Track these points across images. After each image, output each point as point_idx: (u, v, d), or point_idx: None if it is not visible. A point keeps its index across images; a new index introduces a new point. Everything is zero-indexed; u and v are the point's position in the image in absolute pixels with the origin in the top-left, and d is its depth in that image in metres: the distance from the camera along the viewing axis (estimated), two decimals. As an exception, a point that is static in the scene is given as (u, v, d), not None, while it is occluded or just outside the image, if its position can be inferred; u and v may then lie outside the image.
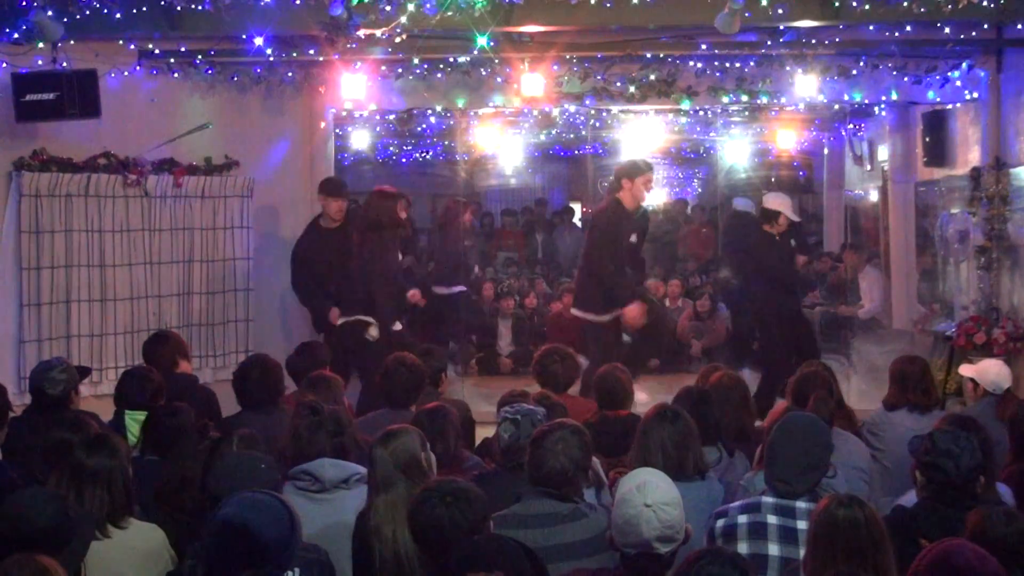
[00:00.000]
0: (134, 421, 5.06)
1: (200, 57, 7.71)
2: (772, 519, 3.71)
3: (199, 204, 8.04)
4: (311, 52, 7.56)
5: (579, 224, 16.17)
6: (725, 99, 8.44)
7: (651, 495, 3.25)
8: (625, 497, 3.29)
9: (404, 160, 15.39)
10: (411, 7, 6.48)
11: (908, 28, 7.27)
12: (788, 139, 12.04)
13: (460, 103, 8.55)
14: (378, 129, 11.51)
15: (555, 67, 8.00)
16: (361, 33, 6.65)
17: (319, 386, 5.19)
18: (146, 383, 5.24)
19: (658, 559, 3.24)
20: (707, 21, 6.49)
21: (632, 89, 8.29)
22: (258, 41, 6.94)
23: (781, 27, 7.14)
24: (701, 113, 10.08)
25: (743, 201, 11.12)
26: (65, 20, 6.53)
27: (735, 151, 13.41)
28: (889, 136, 10.57)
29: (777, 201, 8.43)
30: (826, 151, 13.10)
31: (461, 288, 10.44)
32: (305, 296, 7.98)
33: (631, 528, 3.23)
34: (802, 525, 3.63)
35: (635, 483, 3.32)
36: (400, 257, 8.15)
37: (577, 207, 17.21)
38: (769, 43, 7.57)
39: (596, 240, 7.90)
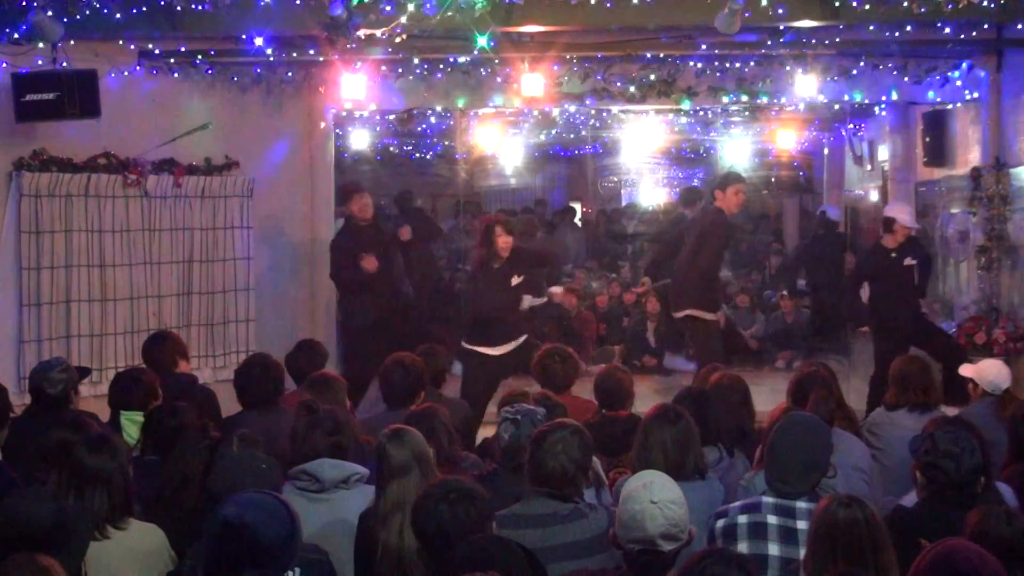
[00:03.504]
0: (130, 422, 5.06)
1: (200, 57, 7.71)
2: (772, 519, 3.71)
3: (199, 204, 8.04)
4: (311, 52, 7.57)
5: (579, 224, 16.17)
6: (725, 99, 8.44)
7: (657, 493, 3.26)
8: (631, 494, 3.29)
9: (404, 160, 15.38)
10: (411, 7, 6.48)
11: (908, 28, 7.26)
12: (788, 139, 12.03)
13: (460, 103, 8.55)
14: (378, 129, 11.51)
15: (555, 67, 8.01)
16: (361, 33, 6.65)
17: (320, 386, 5.17)
18: (136, 385, 5.22)
19: (661, 557, 3.24)
20: (707, 21, 6.49)
21: (632, 89, 8.29)
22: (258, 41, 6.95)
23: (781, 27, 7.14)
24: (701, 113, 10.08)
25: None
26: (65, 20, 6.53)
27: (735, 151, 13.41)
28: (889, 136, 10.56)
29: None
30: (826, 151, 13.09)
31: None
32: None
33: (636, 524, 3.23)
34: (802, 525, 3.63)
35: (641, 481, 3.34)
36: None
37: (577, 207, 17.20)
38: (769, 43, 7.56)
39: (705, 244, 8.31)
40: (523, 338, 7.51)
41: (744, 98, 8.42)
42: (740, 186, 8.38)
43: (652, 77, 8.24)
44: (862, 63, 8.07)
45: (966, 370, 5.97)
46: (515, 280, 7.51)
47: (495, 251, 7.42)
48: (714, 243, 8.35)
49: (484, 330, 7.49)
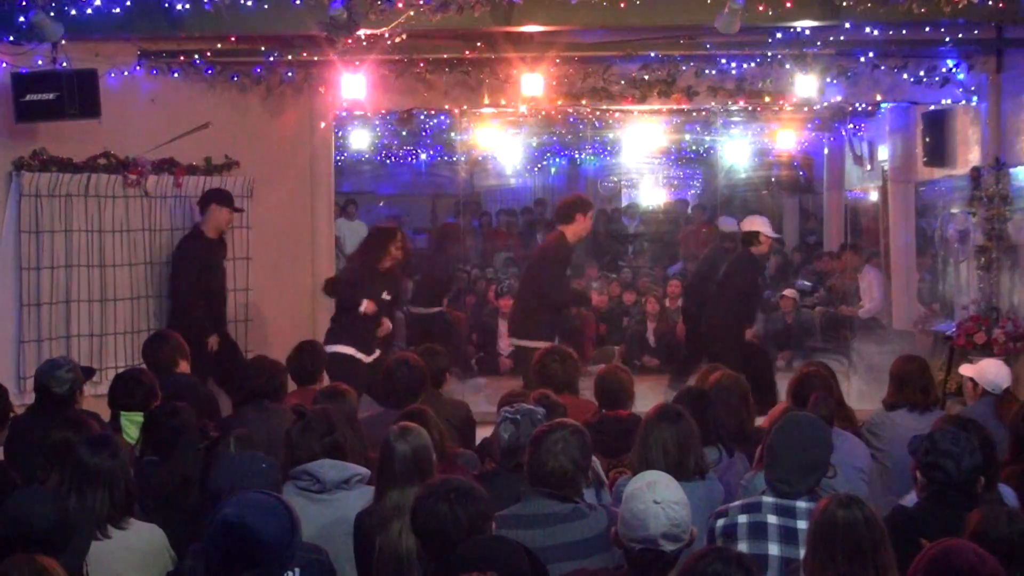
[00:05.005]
0: (130, 422, 5.06)
1: (200, 57, 7.71)
2: (772, 519, 3.71)
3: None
4: (311, 52, 7.57)
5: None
6: (725, 99, 8.44)
7: (660, 493, 3.26)
8: (634, 493, 3.30)
9: (404, 160, 15.39)
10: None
11: (908, 28, 7.27)
12: (788, 139, 12.04)
13: (460, 103, 8.56)
14: (378, 129, 11.52)
15: (555, 67, 8.01)
16: (361, 33, 6.65)
17: (333, 399, 5.13)
18: (136, 385, 5.22)
19: (662, 557, 3.24)
20: (707, 21, 6.50)
21: (632, 89, 8.29)
22: (258, 41, 6.95)
23: (781, 27, 7.14)
24: (701, 113, 10.08)
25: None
26: (65, 20, 6.53)
27: (735, 151, 13.41)
28: (889, 136, 10.56)
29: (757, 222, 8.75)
30: (826, 151, 13.10)
31: (439, 309, 10.47)
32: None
33: (638, 523, 3.23)
34: (802, 525, 3.63)
35: (644, 481, 3.34)
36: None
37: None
38: (769, 43, 7.57)
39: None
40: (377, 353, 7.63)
41: (744, 98, 8.41)
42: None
43: (652, 77, 8.24)
44: (862, 63, 8.06)
45: (966, 370, 5.98)
46: (385, 295, 7.79)
47: (384, 261, 7.69)
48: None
49: (353, 334, 7.57)
